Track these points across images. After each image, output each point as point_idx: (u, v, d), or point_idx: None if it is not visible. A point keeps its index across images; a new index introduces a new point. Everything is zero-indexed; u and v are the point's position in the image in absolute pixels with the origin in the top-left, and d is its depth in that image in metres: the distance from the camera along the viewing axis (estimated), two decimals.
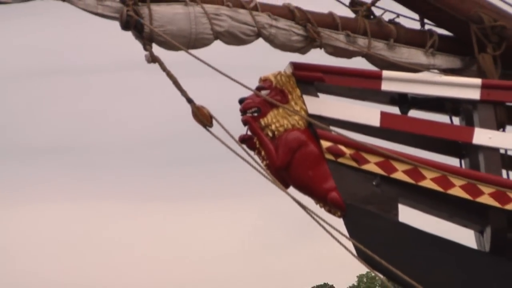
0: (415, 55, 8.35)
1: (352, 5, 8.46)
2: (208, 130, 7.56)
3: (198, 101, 7.56)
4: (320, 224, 7.44)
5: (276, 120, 7.86)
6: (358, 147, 7.80)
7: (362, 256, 7.55)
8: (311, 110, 7.86)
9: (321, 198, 7.82)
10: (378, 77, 8.02)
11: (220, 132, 7.53)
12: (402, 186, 7.81)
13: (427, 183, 7.77)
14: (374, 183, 7.81)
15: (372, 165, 7.80)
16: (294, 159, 7.80)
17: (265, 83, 7.94)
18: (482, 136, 7.96)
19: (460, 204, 7.84)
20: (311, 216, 7.49)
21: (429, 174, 7.77)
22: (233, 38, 7.89)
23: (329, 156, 7.78)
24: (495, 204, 7.74)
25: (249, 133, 7.92)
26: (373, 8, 8.39)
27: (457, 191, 7.76)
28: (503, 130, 8.12)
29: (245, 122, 7.89)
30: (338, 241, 7.46)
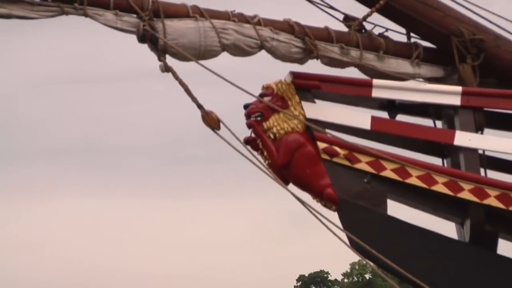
0: (402, 65, 8.23)
1: (346, 21, 8.33)
2: (216, 133, 7.46)
3: (207, 107, 7.47)
4: (316, 217, 7.35)
5: (277, 124, 7.76)
6: (351, 148, 7.71)
7: (354, 246, 7.48)
8: (309, 115, 7.77)
9: (318, 194, 7.74)
10: (369, 85, 7.93)
11: (227, 135, 7.42)
12: (390, 183, 7.72)
13: (413, 180, 7.69)
14: (365, 180, 7.72)
15: (363, 164, 7.72)
16: (294, 159, 7.72)
17: (267, 90, 7.84)
18: (462, 138, 7.87)
19: (442, 199, 7.76)
20: (309, 210, 7.40)
21: (414, 172, 7.69)
22: (239, 50, 7.81)
23: (325, 156, 7.70)
24: (474, 199, 7.64)
25: (253, 135, 7.81)
26: (364, 23, 8.25)
27: (440, 188, 7.67)
28: (481, 133, 8.00)
29: (249, 126, 7.80)
30: (333, 233, 7.37)
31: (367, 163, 7.73)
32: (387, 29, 8.37)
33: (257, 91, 7.87)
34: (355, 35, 8.14)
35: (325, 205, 7.76)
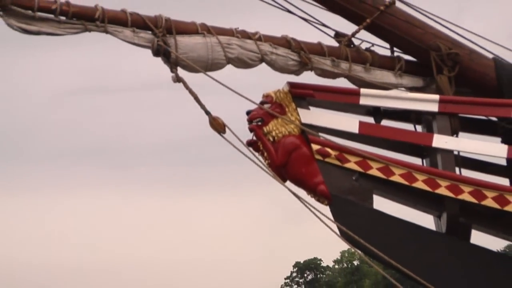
0: (386, 76, 8.18)
1: (336, 37, 8.30)
2: (222, 136, 7.45)
3: (213, 113, 7.46)
4: (311, 211, 7.36)
5: (276, 128, 7.73)
6: (341, 149, 7.71)
7: (344, 236, 7.49)
8: (304, 120, 7.75)
9: (312, 190, 7.73)
10: (357, 94, 7.91)
11: (232, 138, 7.43)
12: (376, 180, 7.71)
13: (396, 178, 7.67)
14: (353, 178, 7.70)
15: (352, 164, 7.70)
16: (290, 159, 7.71)
17: (267, 98, 7.82)
18: (440, 141, 7.85)
19: (422, 195, 7.75)
20: (304, 204, 7.40)
21: (397, 171, 7.68)
22: (242, 63, 7.79)
23: (318, 157, 7.69)
24: (450, 194, 7.63)
25: (254, 138, 7.81)
26: (353, 39, 8.22)
27: (420, 184, 7.66)
28: (456, 136, 7.99)
29: (251, 130, 7.78)
30: (325, 224, 7.39)
31: (356, 162, 7.72)
32: (373, 44, 8.34)
33: (258, 99, 7.86)
34: (345, 49, 8.11)
35: (318, 200, 7.75)
